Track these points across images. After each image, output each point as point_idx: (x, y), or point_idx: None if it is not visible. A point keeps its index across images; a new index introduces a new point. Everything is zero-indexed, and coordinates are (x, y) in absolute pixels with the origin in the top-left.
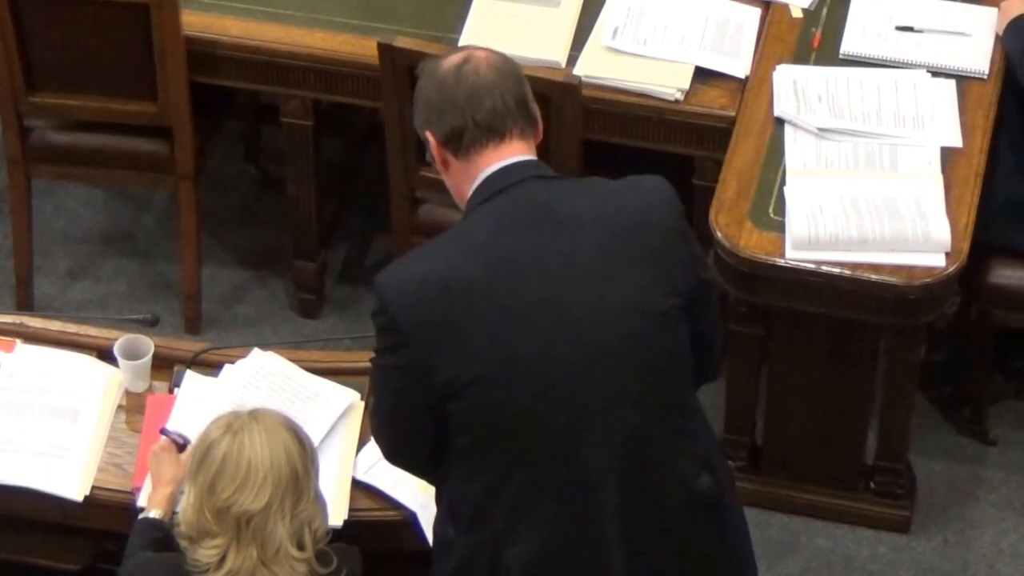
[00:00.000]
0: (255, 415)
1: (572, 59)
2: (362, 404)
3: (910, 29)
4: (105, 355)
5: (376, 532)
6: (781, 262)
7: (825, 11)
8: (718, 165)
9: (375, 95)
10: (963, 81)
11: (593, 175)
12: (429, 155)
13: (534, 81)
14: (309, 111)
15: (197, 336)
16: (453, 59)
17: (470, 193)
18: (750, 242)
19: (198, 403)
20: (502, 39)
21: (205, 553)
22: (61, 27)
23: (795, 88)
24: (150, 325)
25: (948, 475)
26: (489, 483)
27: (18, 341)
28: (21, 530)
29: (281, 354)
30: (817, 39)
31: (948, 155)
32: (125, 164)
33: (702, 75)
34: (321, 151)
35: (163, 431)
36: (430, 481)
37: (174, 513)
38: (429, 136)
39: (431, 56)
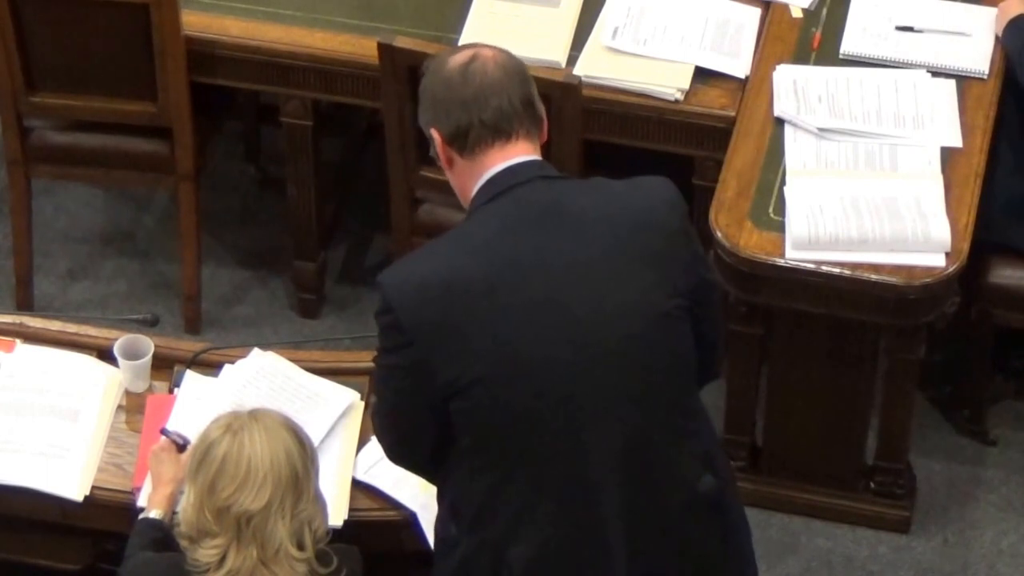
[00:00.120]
0: (255, 415)
1: (572, 59)
2: (362, 404)
3: (910, 29)
4: (105, 355)
5: (376, 532)
6: (781, 262)
7: (825, 11)
8: (718, 165)
9: (375, 95)
10: (963, 81)
11: (593, 175)
12: (433, 152)
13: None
14: (309, 111)
15: (197, 336)
16: (460, 57)
17: (474, 192)
18: (750, 242)
19: (198, 403)
20: (502, 39)
21: (205, 553)
22: (61, 27)
23: (795, 88)
24: (150, 325)
25: (948, 475)
26: (491, 483)
27: (18, 341)
28: (21, 530)
29: (281, 354)
30: (817, 39)
31: (948, 155)
32: (125, 164)
33: (702, 75)
34: (321, 151)
35: (163, 431)
36: (431, 481)
37: (174, 513)
38: (434, 133)
39: (437, 53)
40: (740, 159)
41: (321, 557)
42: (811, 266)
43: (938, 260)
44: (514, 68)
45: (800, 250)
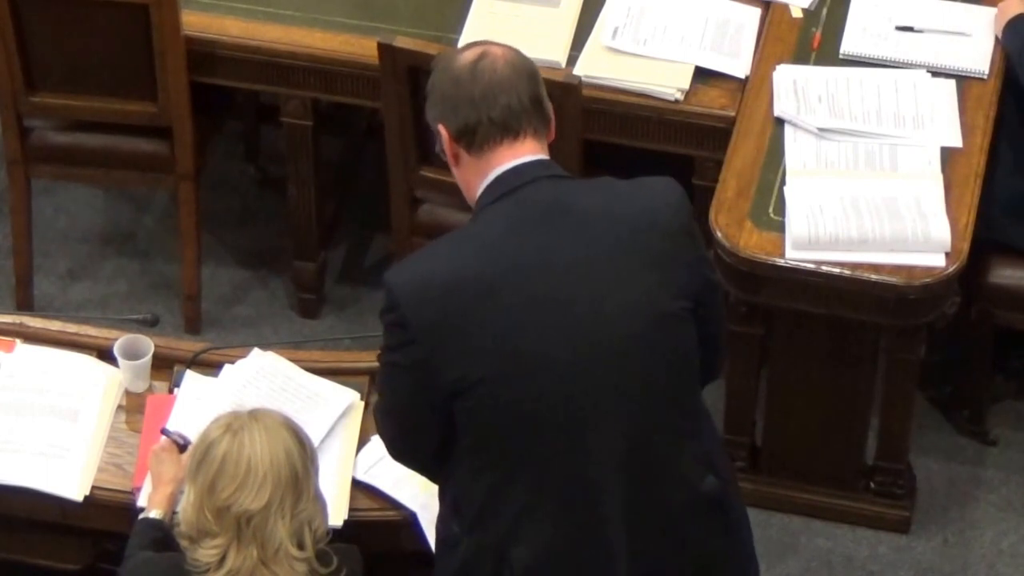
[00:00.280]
0: (255, 415)
1: (572, 59)
2: (362, 404)
3: (910, 29)
4: (105, 355)
5: (376, 532)
6: (781, 262)
7: (825, 11)
8: (718, 165)
9: (375, 95)
10: (963, 81)
11: (593, 175)
12: (439, 148)
13: None
14: (309, 111)
15: (197, 336)
16: (469, 54)
17: (480, 191)
18: (750, 242)
19: (198, 403)
20: (502, 39)
21: (205, 553)
22: (61, 27)
23: (795, 88)
24: (150, 325)
25: (948, 475)
26: (493, 483)
27: (18, 341)
28: (21, 530)
29: (281, 354)
30: (817, 39)
31: (948, 155)
32: (125, 164)
33: (702, 75)
34: (321, 151)
35: (164, 431)
36: (433, 480)
37: (174, 513)
38: (442, 130)
39: (446, 50)
40: (740, 159)
41: (321, 557)
42: (811, 266)
43: (938, 260)
44: (523, 66)
45: (800, 250)
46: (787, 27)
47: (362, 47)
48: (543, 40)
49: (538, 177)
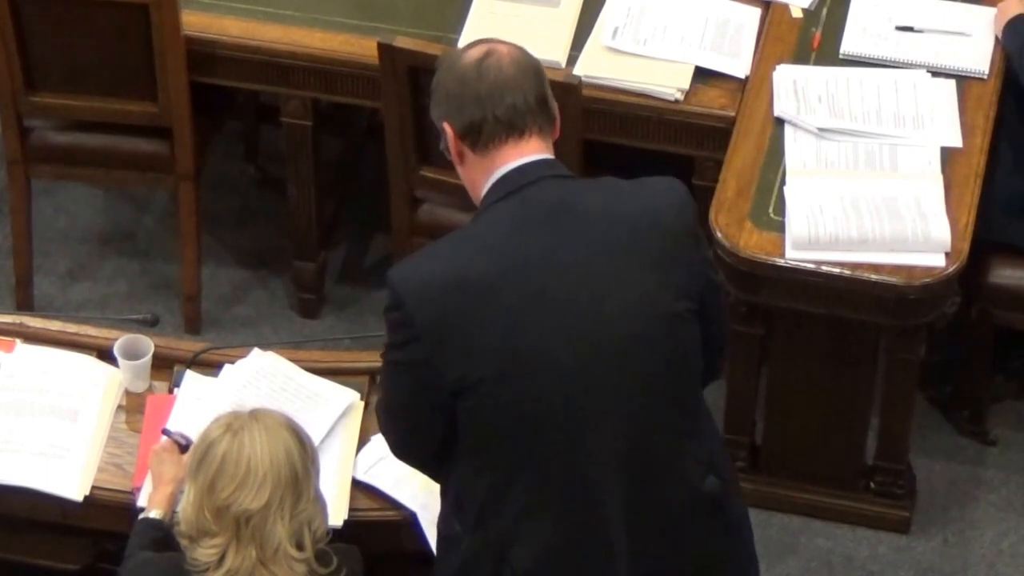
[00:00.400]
0: (255, 415)
1: (572, 59)
2: (362, 404)
3: (910, 29)
4: (105, 355)
5: (376, 532)
6: (781, 262)
7: (825, 11)
8: (718, 165)
9: (375, 95)
10: (963, 81)
11: (593, 175)
12: (443, 146)
13: None
14: (309, 111)
15: (197, 336)
16: (475, 52)
17: (485, 190)
18: (750, 242)
19: (198, 403)
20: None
21: (204, 552)
22: (61, 27)
23: (795, 88)
24: (150, 325)
25: (948, 475)
26: (493, 482)
27: (18, 341)
28: (21, 530)
29: (281, 354)
30: (817, 39)
31: (948, 155)
32: (125, 164)
33: (702, 75)
34: (321, 151)
35: (165, 431)
36: (435, 478)
37: (174, 512)
38: (447, 127)
39: (450, 48)
40: (740, 159)
41: (321, 557)
42: (811, 266)
43: (938, 260)
44: (529, 65)
45: (800, 250)
46: (787, 27)
47: (362, 47)
48: (543, 40)
49: (543, 177)
